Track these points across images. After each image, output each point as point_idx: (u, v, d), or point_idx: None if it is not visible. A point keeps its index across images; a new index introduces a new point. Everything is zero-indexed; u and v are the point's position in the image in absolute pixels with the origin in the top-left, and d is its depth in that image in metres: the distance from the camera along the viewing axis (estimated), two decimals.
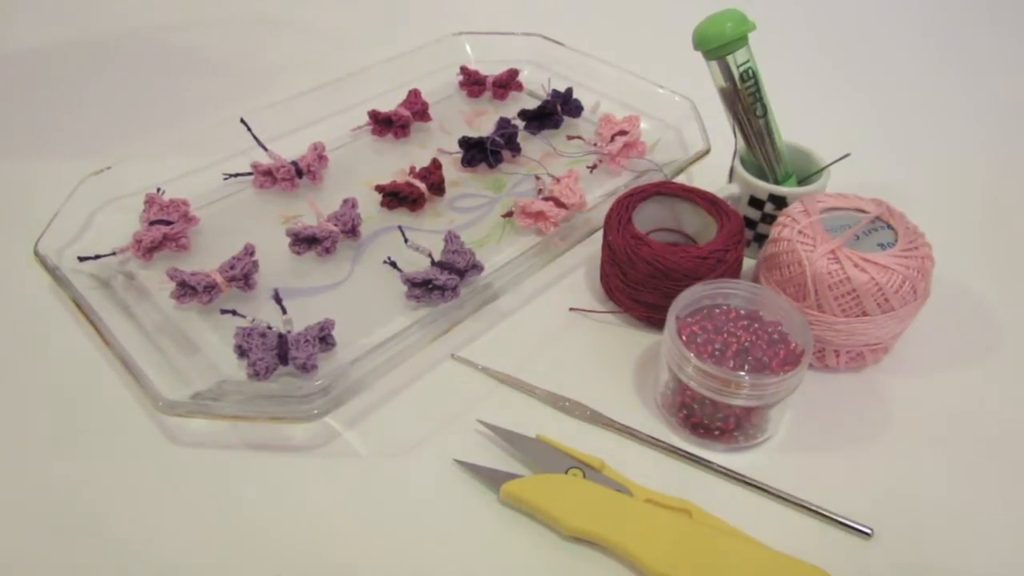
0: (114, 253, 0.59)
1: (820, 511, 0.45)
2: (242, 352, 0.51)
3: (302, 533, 0.44)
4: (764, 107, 0.57)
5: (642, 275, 0.53)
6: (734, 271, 0.54)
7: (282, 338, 0.51)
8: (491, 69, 0.82)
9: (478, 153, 0.70)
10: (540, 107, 0.75)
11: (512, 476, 0.46)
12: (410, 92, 0.77)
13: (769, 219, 0.59)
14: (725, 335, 0.48)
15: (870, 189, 0.57)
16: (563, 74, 0.83)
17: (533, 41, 0.85)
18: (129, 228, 0.62)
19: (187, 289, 0.56)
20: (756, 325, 0.49)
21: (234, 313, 0.54)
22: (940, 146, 0.79)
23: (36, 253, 0.57)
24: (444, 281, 0.55)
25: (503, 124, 0.73)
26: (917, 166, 0.75)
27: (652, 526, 0.43)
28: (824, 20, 1.04)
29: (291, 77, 0.85)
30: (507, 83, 0.81)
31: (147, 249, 0.59)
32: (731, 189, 0.60)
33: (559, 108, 0.76)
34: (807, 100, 0.82)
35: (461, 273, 0.57)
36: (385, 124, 0.75)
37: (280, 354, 0.51)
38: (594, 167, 0.71)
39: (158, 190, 0.64)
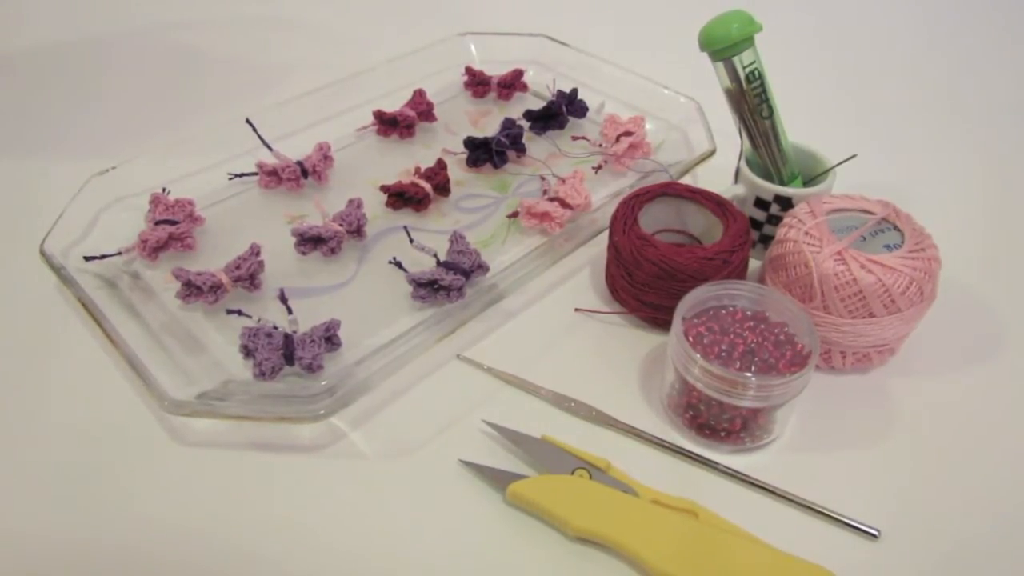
0: (120, 253, 0.59)
1: (826, 512, 0.45)
2: (248, 352, 0.51)
3: (307, 533, 0.44)
4: (770, 108, 0.57)
5: (648, 276, 0.53)
6: (740, 272, 0.54)
7: (288, 338, 0.51)
8: (496, 70, 0.82)
9: (483, 153, 0.70)
10: (545, 108, 0.75)
11: (518, 477, 0.46)
12: (415, 92, 0.77)
13: (775, 220, 0.59)
14: (731, 336, 0.48)
15: (876, 190, 0.57)
16: (568, 75, 0.83)
17: (538, 42, 0.85)
18: (135, 228, 0.62)
19: (192, 289, 0.56)
20: (762, 326, 0.49)
21: (240, 313, 0.54)
22: (947, 147, 0.78)
23: (42, 252, 0.57)
24: (449, 281, 0.55)
25: (508, 124, 0.73)
26: (924, 167, 0.75)
27: (658, 527, 0.43)
28: (830, 21, 1.04)
29: (296, 77, 0.85)
30: (512, 83, 0.81)
31: (153, 249, 0.59)
32: (737, 190, 0.60)
33: (564, 109, 0.76)
34: (813, 101, 0.82)
35: (466, 273, 0.57)
36: (390, 124, 0.75)
37: (286, 354, 0.51)
38: (599, 168, 0.71)
39: (164, 190, 0.64)
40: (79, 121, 0.80)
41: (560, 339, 0.56)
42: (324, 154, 0.69)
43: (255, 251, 0.58)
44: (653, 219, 0.58)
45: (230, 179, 0.68)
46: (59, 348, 0.55)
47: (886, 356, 0.53)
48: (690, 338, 0.47)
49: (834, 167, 0.59)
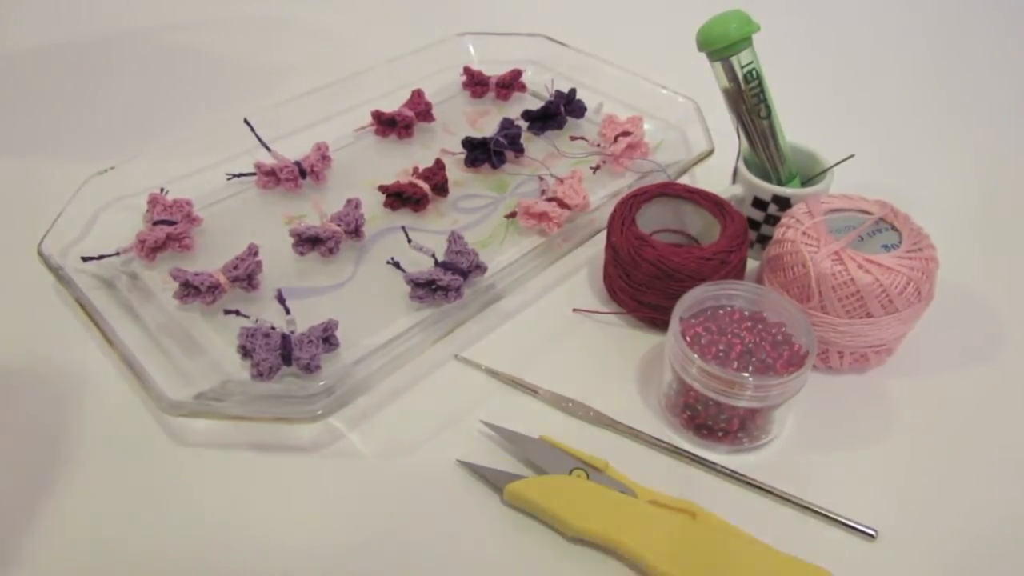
0: (118, 253, 0.59)
1: (824, 512, 0.45)
2: (246, 352, 0.51)
3: (306, 533, 0.44)
4: (768, 108, 0.57)
5: (646, 276, 0.53)
6: (738, 272, 0.54)
7: (286, 338, 0.51)
8: (494, 70, 0.82)
9: (481, 154, 0.70)
10: (543, 108, 0.75)
11: (515, 477, 0.46)
12: (413, 92, 0.77)
13: (773, 220, 0.59)
14: (729, 336, 0.48)
15: (874, 190, 0.57)
16: (566, 75, 0.83)
17: (536, 41, 0.85)
18: (133, 228, 0.62)
19: (190, 289, 0.56)
20: (760, 326, 0.49)
21: (238, 313, 0.54)
22: (945, 147, 0.78)
23: (40, 253, 0.57)
24: (447, 282, 0.55)
25: (506, 125, 0.73)
26: (921, 167, 0.75)
27: (656, 527, 0.43)
28: (828, 21, 1.04)
29: (295, 77, 0.85)
30: (510, 84, 0.81)
31: (150, 249, 0.59)
32: (735, 190, 0.60)
33: (562, 109, 0.76)
34: (811, 101, 0.82)
35: (464, 274, 0.57)
36: (388, 124, 0.75)
37: (284, 354, 0.51)
38: (597, 168, 0.71)
39: (162, 190, 0.64)
40: (78, 121, 0.80)
41: (558, 339, 0.56)
42: (322, 154, 0.69)
43: (253, 251, 0.58)
44: (651, 219, 0.58)
45: (228, 179, 0.68)
46: (56, 349, 0.55)
47: (884, 356, 0.53)
48: (688, 338, 0.47)
49: (832, 167, 0.59)
